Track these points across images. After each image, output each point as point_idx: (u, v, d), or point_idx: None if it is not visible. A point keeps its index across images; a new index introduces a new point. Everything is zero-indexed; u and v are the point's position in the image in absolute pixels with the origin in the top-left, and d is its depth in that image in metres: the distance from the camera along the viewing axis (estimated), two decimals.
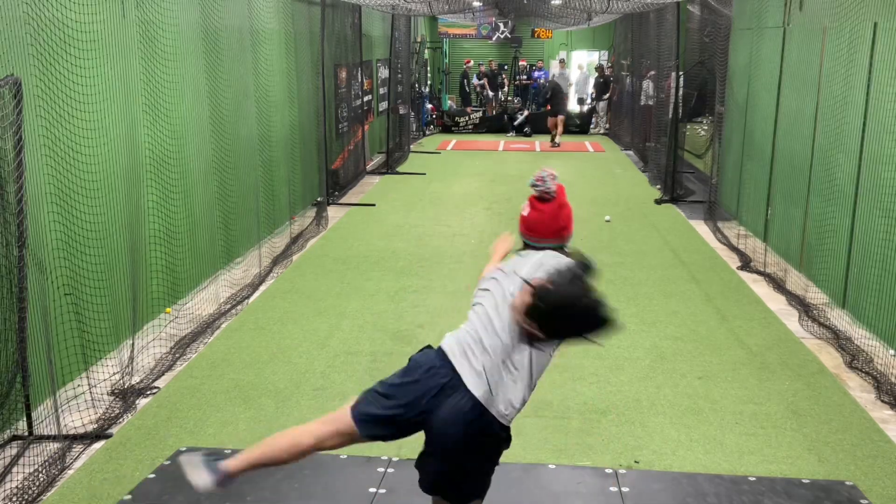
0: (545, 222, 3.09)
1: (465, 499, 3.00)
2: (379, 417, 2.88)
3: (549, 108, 18.68)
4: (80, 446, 4.66)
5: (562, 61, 21.88)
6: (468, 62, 23.13)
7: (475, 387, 2.78)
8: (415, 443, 4.80)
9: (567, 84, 20.94)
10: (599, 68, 21.73)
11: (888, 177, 6.07)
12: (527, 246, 3.20)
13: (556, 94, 18.52)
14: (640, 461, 4.57)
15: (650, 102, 15.25)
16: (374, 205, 11.72)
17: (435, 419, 2.81)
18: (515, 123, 20.19)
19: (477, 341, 2.84)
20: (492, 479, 3.07)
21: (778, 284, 7.75)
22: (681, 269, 8.43)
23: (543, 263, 2.97)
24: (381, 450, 4.65)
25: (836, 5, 7.10)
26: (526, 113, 20.37)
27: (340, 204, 11.77)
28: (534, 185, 3.11)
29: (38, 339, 4.79)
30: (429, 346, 2.99)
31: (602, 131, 20.80)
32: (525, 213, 3.17)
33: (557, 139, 18.15)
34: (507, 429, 2.87)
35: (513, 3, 17.92)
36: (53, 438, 4.65)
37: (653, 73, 14.94)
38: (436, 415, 2.80)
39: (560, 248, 3.13)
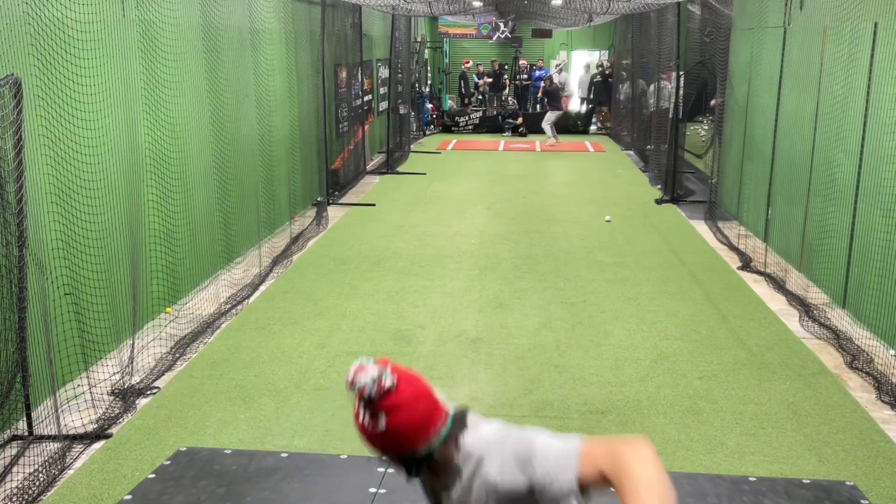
0: (379, 438, 1.85)
1: None
2: None
3: (550, 107, 18.79)
4: (80, 446, 4.66)
5: (559, 66, 21.95)
6: (467, 62, 23.12)
7: None
8: None
9: (562, 88, 20.99)
10: (601, 66, 21.72)
11: (888, 177, 6.06)
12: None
13: (551, 95, 18.71)
14: None
15: (666, 105, 14.99)
16: (374, 205, 11.71)
17: None
18: (507, 126, 20.28)
19: None
20: None
21: (778, 284, 7.74)
22: (681, 269, 8.42)
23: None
24: None
25: (837, 5, 7.10)
26: (520, 119, 20.40)
27: (340, 204, 11.77)
28: (354, 391, 1.85)
29: (38, 339, 4.79)
30: None
31: (596, 129, 20.87)
32: (360, 421, 1.87)
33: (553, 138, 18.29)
34: None
35: (513, 3, 17.91)
36: (53, 438, 4.65)
37: (667, 74, 14.67)
38: None
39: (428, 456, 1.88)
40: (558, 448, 1.79)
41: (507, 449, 1.83)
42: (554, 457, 1.78)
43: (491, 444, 1.86)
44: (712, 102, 10.94)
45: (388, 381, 1.83)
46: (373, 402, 1.82)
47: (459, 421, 1.90)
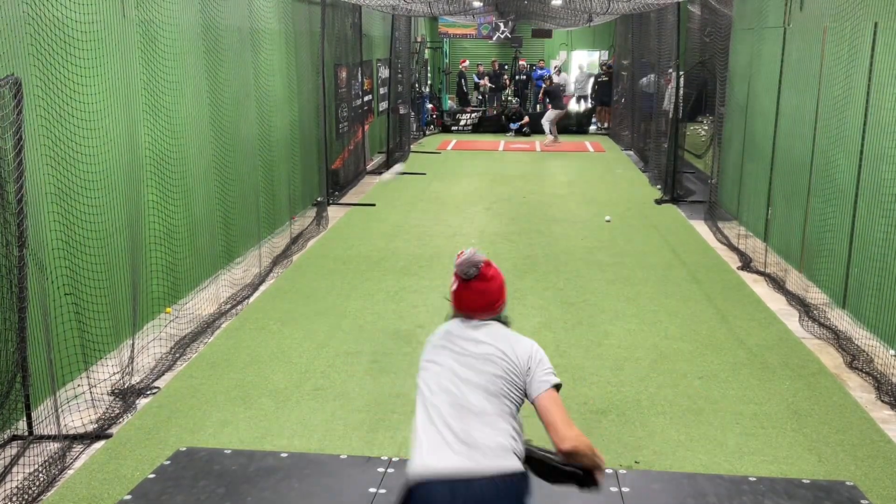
0: (474, 299, 2.95)
1: None
2: None
3: (550, 107, 18.81)
4: (80, 446, 4.66)
5: (557, 67, 21.99)
6: (464, 62, 23.13)
7: (477, 472, 2.63)
8: None
9: (563, 88, 21.01)
10: (604, 66, 21.68)
11: (888, 177, 6.06)
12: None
13: (552, 94, 18.73)
14: (640, 461, 4.57)
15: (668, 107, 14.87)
16: (374, 205, 11.72)
17: None
18: (513, 126, 20.25)
19: (448, 430, 2.69)
20: None
21: (778, 284, 7.74)
22: (681, 269, 8.43)
23: (497, 339, 2.87)
24: (381, 450, 4.66)
25: (837, 5, 7.10)
26: (526, 119, 20.40)
27: (340, 204, 11.77)
28: (457, 272, 2.95)
29: (38, 339, 4.79)
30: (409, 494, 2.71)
31: (596, 129, 20.89)
32: (454, 288, 2.99)
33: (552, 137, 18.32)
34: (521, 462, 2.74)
35: (513, 3, 17.92)
36: (53, 438, 4.65)
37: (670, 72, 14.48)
38: None
39: (497, 320, 3.00)
40: (549, 369, 2.87)
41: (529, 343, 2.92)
42: (545, 369, 2.85)
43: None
44: (719, 109, 10.90)
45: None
46: (482, 267, 2.92)
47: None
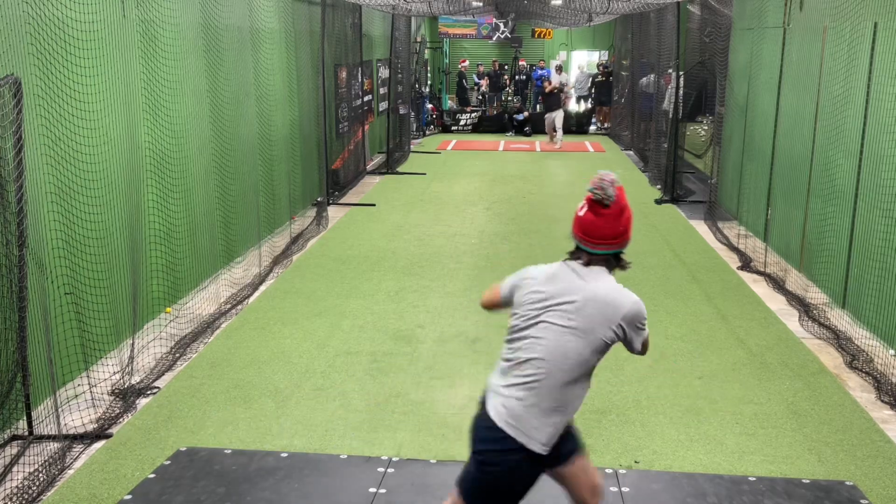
0: (602, 227, 2.85)
1: None
2: None
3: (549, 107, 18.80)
4: (80, 446, 4.66)
5: (559, 68, 21.99)
6: (463, 62, 23.13)
7: (540, 445, 2.86)
8: (415, 443, 4.80)
9: (562, 89, 20.99)
10: (601, 66, 21.71)
11: (888, 177, 6.07)
12: (578, 249, 2.94)
13: (553, 95, 18.72)
14: (640, 461, 4.57)
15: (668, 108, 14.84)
16: (374, 205, 11.72)
17: (509, 479, 2.90)
18: (516, 122, 20.23)
19: (532, 389, 2.85)
20: None
21: (778, 284, 7.74)
22: (681, 269, 8.43)
23: (599, 299, 2.90)
24: (381, 450, 4.66)
25: (836, 5, 7.10)
26: (526, 113, 20.40)
27: (340, 204, 11.77)
28: (592, 192, 2.85)
29: (38, 339, 4.79)
30: (483, 408, 2.95)
31: (596, 129, 20.88)
32: (581, 213, 2.89)
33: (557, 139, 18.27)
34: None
35: (513, 3, 17.92)
36: (53, 438, 4.65)
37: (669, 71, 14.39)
38: (510, 475, 2.89)
39: (617, 255, 2.94)
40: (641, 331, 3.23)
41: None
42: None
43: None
44: (719, 109, 10.89)
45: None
46: (610, 201, 2.82)
47: None
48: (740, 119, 10.36)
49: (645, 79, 15.89)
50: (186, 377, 5.67)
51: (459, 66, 22.97)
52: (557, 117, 18.34)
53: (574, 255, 2.96)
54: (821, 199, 7.44)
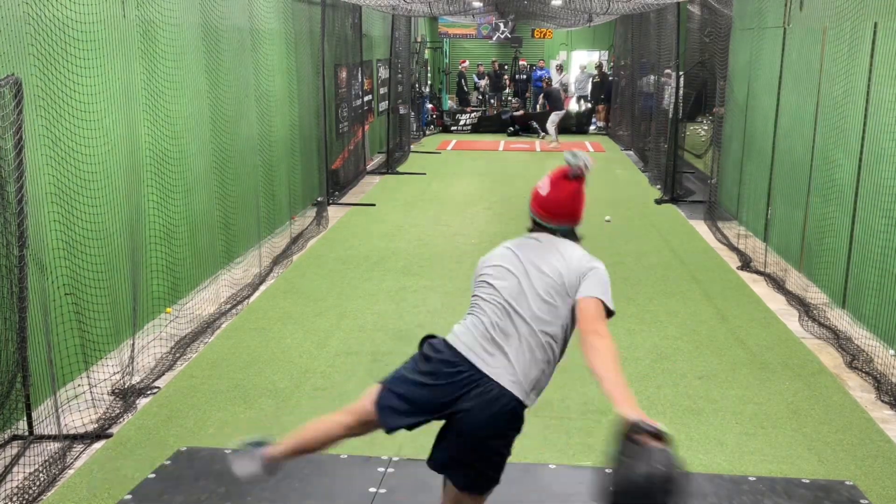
0: (563, 202, 3.01)
1: (475, 488, 2.98)
2: (402, 416, 2.94)
3: (549, 107, 18.81)
4: (80, 446, 4.66)
5: (559, 68, 22.05)
6: (463, 62, 23.14)
7: (500, 376, 2.80)
8: (415, 443, 4.80)
9: (564, 89, 21.04)
10: (598, 67, 21.76)
11: (888, 177, 6.07)
12: (536, 225, 3.14)
13: (551, 96, 18.76)
14: None
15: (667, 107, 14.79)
16: (374, 205, 11.72)
17: (462, 414, 2.82)
18: (519, 127, 20.23)
19: (496, 329, 2.84)
20: None
21: (778, 284, 7.75)
22: (681, 268, 8.43)
23: (565, 257, 2.95)
24: (381, 449, 4.66)
25: (836, 5, 7.10)
26: (521, 112, 20.41)
27: (341, 204, 11.77)
28: (569, 161, 3.01)
29: (38, 339, 4.79)
30: (433, 336, 2.99)
31: (595, 129, 20.91)
32: (543, 191, 3.06)
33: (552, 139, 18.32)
34: (525, 408, 2.90)
35: (513, 3, 17.93)
36: (54, 438, 4.65)
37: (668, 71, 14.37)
38: (462, 409, 2.82)
39: (572, 232, 3.07)
40: (601, 283, 2.88)
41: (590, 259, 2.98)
42: (597, 281, 2.87)
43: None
44: (716, 110, 10.89)
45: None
46: (582, 175, 2.98)
47: None
48: (740, 119, 10.36)
49: (645, 79, 15.89)
50: (186, 377, 5.67)
51: (459, 67, 22.98)
52: (557, 117, 18.39)
53: (534, 231, 3.16)
54: (821, 199, 7.44)
